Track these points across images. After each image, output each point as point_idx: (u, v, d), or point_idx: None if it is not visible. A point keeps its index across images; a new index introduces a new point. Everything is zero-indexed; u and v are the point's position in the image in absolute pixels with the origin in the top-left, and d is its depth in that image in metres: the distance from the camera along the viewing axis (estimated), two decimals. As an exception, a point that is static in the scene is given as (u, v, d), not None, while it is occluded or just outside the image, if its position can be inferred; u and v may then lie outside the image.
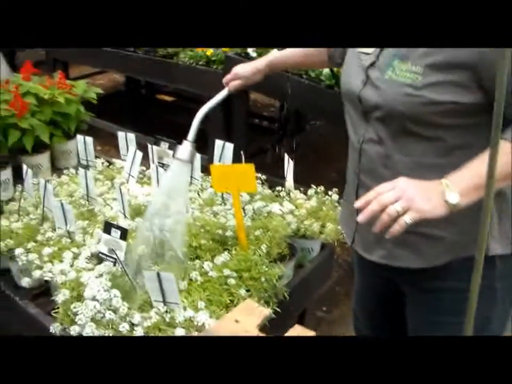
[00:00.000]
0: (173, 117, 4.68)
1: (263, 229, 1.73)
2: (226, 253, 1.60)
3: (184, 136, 1.58)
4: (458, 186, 1.06)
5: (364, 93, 1.28)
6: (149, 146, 2.11)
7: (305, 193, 2.03)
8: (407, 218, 1.04)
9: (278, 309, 1.52)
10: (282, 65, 1.93)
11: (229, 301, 1.47)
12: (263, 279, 1.54)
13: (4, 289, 1.70)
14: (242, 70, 1.77)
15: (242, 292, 1.49)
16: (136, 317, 1.34)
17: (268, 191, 2.02)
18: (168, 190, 1.60)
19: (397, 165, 1.27)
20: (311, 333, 0.85)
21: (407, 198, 1.05)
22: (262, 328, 0.95)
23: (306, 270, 1.84)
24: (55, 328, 1.42)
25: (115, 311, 1.36)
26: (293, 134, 3.87)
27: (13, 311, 1.68)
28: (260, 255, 1.60)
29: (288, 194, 2.01)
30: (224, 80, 1.81)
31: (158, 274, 1.33)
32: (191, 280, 1.51)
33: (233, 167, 1.75)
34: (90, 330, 1.32)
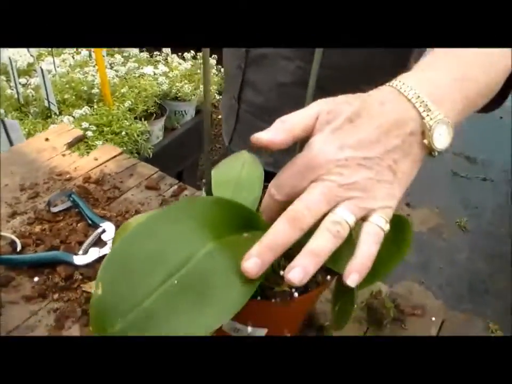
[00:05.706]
0: None
1: (131, 87, 1.71)
2: (86, 106, 1.59)
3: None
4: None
5: None
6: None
7: (183, 59, 2.01)
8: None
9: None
10: None
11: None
12: (124, 133, 1.55)
13: None
14: None
15: (99, 144, 1.49)
16: None
17: (145, 55, 1.98)
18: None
19: None
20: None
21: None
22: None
23: (177, 132, 1.86)
24: None
25: None
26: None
27: None
28: (122, 110, 1.60)
29: (166, 59, 1.99)
30: None
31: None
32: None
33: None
34: None
